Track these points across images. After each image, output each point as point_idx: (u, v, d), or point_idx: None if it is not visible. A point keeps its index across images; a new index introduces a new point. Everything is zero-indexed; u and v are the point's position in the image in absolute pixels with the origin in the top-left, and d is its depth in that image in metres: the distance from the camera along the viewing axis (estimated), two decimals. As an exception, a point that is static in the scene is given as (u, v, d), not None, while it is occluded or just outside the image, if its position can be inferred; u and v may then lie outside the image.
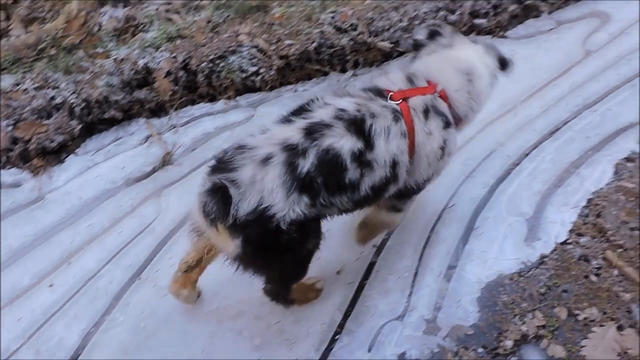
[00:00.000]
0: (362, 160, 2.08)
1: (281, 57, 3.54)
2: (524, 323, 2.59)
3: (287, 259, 2.24)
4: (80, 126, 3.32)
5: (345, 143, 2.04)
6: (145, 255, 2.94)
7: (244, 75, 3.55)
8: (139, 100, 3.49)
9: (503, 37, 4.01)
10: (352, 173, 2.07)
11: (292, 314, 2.68)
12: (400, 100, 2.24)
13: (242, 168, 1.95)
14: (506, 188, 3.16)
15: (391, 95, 2.25)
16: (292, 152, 1.98)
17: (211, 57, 3.48)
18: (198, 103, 3.64)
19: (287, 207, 1.97)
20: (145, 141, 3.47)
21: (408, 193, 2.52)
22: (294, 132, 2.03)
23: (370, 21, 3.60)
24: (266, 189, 1.94)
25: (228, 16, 3.87)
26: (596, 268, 2.76)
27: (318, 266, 2.76)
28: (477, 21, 3.87)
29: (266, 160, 1.96)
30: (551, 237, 2.91)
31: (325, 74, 3.74)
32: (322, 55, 3.62)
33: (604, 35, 3.98)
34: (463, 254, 2.90)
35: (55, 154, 3.30)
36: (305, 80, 3.74)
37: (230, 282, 2.62)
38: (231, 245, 2.03)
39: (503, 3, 3.91)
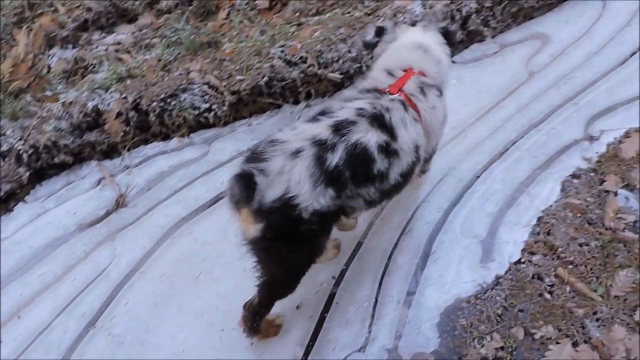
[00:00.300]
0: (389, 150, 2.27)
1: (233, 93, 3.56)
2: (482, 346, 2.63)
3: (300, 251, 2.31)
4: (28, 173, 3.27)
5: (371, 137, 2.22)
6: (99, 302, 2.89)
7: (196, 112, 3.56)
8: (89, 143, 3.46)
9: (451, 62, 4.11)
10: (381, 164, 2.24)
11: (254, 352, 2.66)
12: (399, 92, 2.45)
13: (272, 159, 2.09)
14: (460, 211, 3.22)
15: (388, 90, 2.46)
16: (322, 146, 2.12)
17: (162, 96, 3.48)
18: (151, 142, 3.62)
19: (312, 198, 2.10)
20: (98, 184, 3.43)
21: (426, 161, 2.83)
22: (322, 129, 2.18)
23: (319, 53, 3.65)
24: (293, 180, 2.06)
25: (179, 54, 3.88)
26: (549, 286, 2.84)
27: (277, 302, 2.77)
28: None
29: (296, 153, 2.09)
30: (505, 258, 2.98)
31: (279, 106, 3.77)
32: (273, 89, 3.66)
33: (545, 56, 4.13)
34: (421, 279, 2.94)
35: (3, 203, 3.23)
36: (259, 113, 3.76)
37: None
38: (252, 228, 2.14)
39: (448, 30, 4.02)
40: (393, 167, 2.30)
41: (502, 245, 3.04)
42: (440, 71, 2.71)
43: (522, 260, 2.96)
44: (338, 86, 3.80)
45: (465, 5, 4.03)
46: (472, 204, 3.25)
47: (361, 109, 2.30)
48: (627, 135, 3.45)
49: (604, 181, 3.24)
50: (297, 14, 4.04)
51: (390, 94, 2.43)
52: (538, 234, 3.05)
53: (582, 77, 3.94)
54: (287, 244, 2.23)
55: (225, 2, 4.27)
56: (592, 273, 2.85)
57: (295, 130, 2.23)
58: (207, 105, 3.57)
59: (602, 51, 4.13)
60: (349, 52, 3.71)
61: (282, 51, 3.66)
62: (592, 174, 3.30)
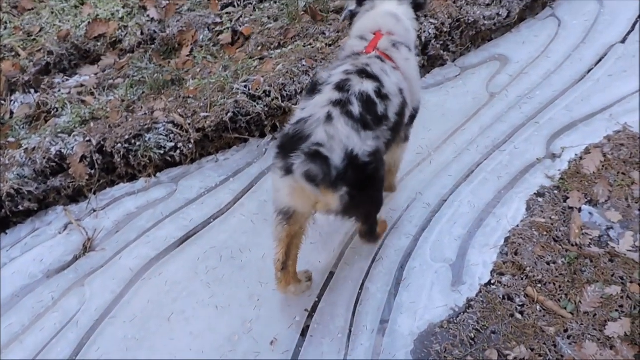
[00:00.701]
0: (382, 94, 2.54)
1: (198, 130, 3.56)
2: (457, 371, 2.63)
3: (376, 186, 2.60)
4: (-9, 223, 3.22)
5: (367, 85, 2.49)
6: (70, 350, 2.85)
7: (162, 151, 3.55)
8: (54, 188, 3.42)
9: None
10: (380, 106, 2.51)
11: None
12: (374, 50, 2.75)
13: (315, 131, 2.28)
14: (429, 236, 3.25)
15: (365, 51, 2.76)
16: (342, 104, 2.38)
17: (127, 137, 3.46)
18: (118, 184, 3.60)
19: (363, 143, 2.35)
20: (65, 229, 3.39)
21: (412, 118, 3.06)
22: (331, 93, 2.43)
23: (282, 86, 3.68)
24: (344, 137, 2.30)
25: (143, 93, 3.88)
26: (520, 306, 2.86)
27: (251, 338, 2.76)
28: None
29: (329, 117, 2.32)
30: (475, 280, 3.01)
31: (245, 140, 3.79)
32: (239, 124, 3.67)
33: (505, 77, 4.23)
34: (394, 307, 2.95)
35: (-33, 255, 3.16)
36: (225, 149, 3.77)
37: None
38: (336, 198, 2.36)
39: (408, 56, 4.10)
40: (389, 108, 2.57)
41: (471, 267, 3.07)
42: (407, 34, 2.96)
43: (492, 281, 2.98)
44: (303, 117, 3.84)
45: (424, 32, 4.11)
46: (441, 228, 3.28)
47: (346, 70, 2.56)
48: (587, 151, 3.52)
49: (568, 198, 3.30)
50: (259, 48, 4.07)
51: (367, 54, 2.73)
52: (506, 254, 3.08)
53: (541, 95, 4.03)
54: (365, 188, 2.46)
55: (188, 38, 4.29)
56: (560, 290, 2.88)
57: (309, 104, 2.44)
58: (172, 144, 3.56)
59: (560, 69, 4.24)
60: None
61: (246, 86, 3.69)
62: (555, 192, 3.36)
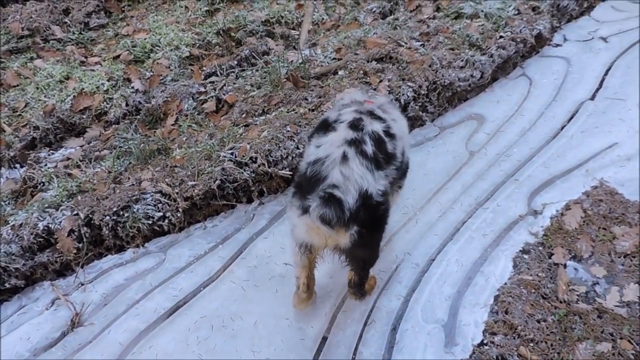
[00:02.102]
0: (390, 133, 2.73)
1: (186, 199, 3.59)
2: None
3: (382, 227, 2.78)
4: (-23, 302, 3.15)
5: (377, 125, 2.68)
6: None
7: (150, 221, 3.56)
8: (41, 264, 3.38)
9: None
10: (389, 144, 2.70)
11: None
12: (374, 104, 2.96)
13: (331, 173, 2.45)
14: (419, 297, 3.26)
15: (365, 101, 2.99)
16: (356, 143, 2.54)
17: (114, 209, 3.47)
18: (105, 256, 3.57)
19: (376, 183, 2.52)
20: (52, 305, 3.33)
21: (405, 171, 3.24)
22: (345, 132, 2.60)
23: (268, 152, 3.75)
24: (358, 177, 2.45)
25: (129, 163, 3.92)
26: (514, 366, 2.87)
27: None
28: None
29: (344, 158, 2.48)
30: (468, 340, 3.01)
31: (233, 206, 3.82)
32: (226, 191, 3.71)
33: (483, 135, 4.37)
34: (389, 371, 2.93)
35: (-49, 337, 3.08)
36: (213, 216, 3.79)
37: None
38: (347, 237, 2.51)
39: (389, 119, 4.23)
40: (396, 147, 2.77)
41: (463, 327, 3.07)
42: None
43: (485, 341, 2.99)
44: (289, 182, 3.90)
45: (403, 95, 4.26)
46: (431, 288, 3.30)
47: (356, 110, 2.78)
48: (567, 207, 3.62)
49: (552, 254, 3.36)
50: (243, 115, 4.17)
51: (368, 104, 2.94)
52: (497, 313, 3.10)
53: (519, 153, 4.17)
54: (374, 228, 2.66)
55: (173, 108, 4.39)
56: (552, 349, 2.90)
57: (325, 142, 2.60)
58: (160, 214, 3.57)
59: (534, 127, 4.40)
60: (297, 148, 3.83)
61: (232, 153, 3.75)
62: (540, 248, 3.42)
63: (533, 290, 3.16)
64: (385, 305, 3.23)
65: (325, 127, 2.71)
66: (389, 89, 4.24)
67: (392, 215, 3.38)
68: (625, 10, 5.94)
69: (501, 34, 4.93)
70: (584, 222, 3.51)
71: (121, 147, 4.07)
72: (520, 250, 3.45)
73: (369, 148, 2.56)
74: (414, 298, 3.26)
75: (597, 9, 6.01)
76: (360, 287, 3.05)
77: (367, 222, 2.51)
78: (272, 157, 3.77)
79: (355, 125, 2.64)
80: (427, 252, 3.51)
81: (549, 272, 3.27)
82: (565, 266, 3.29)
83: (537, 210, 3.69)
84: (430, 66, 4.44)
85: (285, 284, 3.36)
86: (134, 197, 3.54)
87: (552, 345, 2.91)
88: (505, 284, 3.25)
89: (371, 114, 2.76)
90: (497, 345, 2.95)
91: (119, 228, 3.51)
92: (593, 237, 3.41)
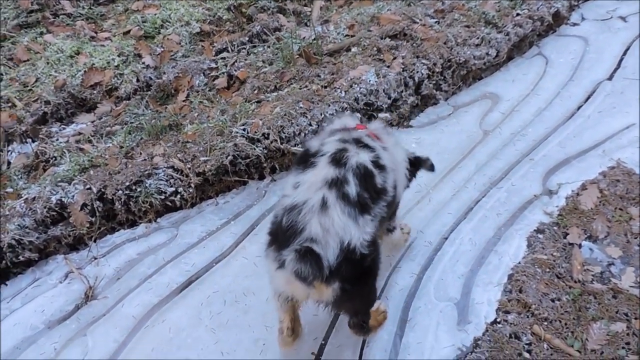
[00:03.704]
0: (379, 165, 2.46)
1: (198, 174, 3.57)
2: (468, 414, 2.60)
3: (370, 280, 2.51)
4: (-8, 274, 3.17)
5: (364, 156, 2.41)
6: (73, 404, 2.77)
7: (162, 196, 3.55)
8: (55, 237, 3.39)
9: (408, 126, 4.26)
10: (379, 177, 2.43)
11: None
12: (366, 129, 2.72)
13: (308, 224, 2.17)
14: (432, 274, 3.25)
15: (356, 127, 2.74)
16: (337, 185, 2.26)
17: (127, 183, 3.46)
18: (118, 230, 3.58)
19: (360, 232, 2.24)
20: (66, 278, 3.34)
21: (395, 209, 2.97)
22: (326, 170, 2.32)
23: (281, 128, 3.73)
24: (339, 229, 2.18)
25: (141, 139, 3.90)
26: (527, 344, 2.85)
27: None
28: (382, 115, 4.09)
29: (324, 205, 2.20)
30: (481, 319, 3.00)
31: (244, 183, 3.81)
32: (238, 167, 3.69)
33: (497, 114, 4.32)
34: (401, 348, 2.92)
35: (-34, 307, 3.10)
36: (225, 192, 3.78)
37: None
38: (329, 292, 2.28)
39: (402, 96, 4.18)
40: (386, 180, 2.49)
41: (476, 306, 3.06)
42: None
43: (498, 320, 2.98)
44: (302, 159, 3.88)
45: (417, 72, 4.20)
46: (443, 266, 3.29)
47: (341, 139, 2.49)
48: (584, 187, 3.58)
49: (567, 234, 3.33)
50: (255, 92, 4.13)
51: (358, 129, 2.70)
52: (510, 292, 3.09)
53: (534, 132, 4.11)
54: (360, 281, 2.38)
55: (184, 84, 4.35)
56: (567, 328, 2.88)
57: (303, 181, 2.33)
58: (172, 189, 3.57)
59: (550, 106, 4.34)
60: (310, 125, 3.80)
61: (245, 129, 3.72)
62: (555, 228, 3.39)
63: (547, 270, 3.14)
64: (398, 283, 3.22)
65: (305, 160, 2.43)
66: (402, 66, 4.18)
67: (405, 194, 3.39)
68: (645, -11, 5.81)
69: (518, 11, 4.84)
70: (600, 202, 3.47)
71: (132, 122, 4.05)
72: (534, 230, 3.42)
73: (352, 189, 2.28)
74: (427, 276, 3.25)
75: (617, -13, 5.88)
76: (362, 328, 2.76)
77: (351, 278, 2.27)
78: (284, 133, 3.74)
79: (337, 159, 2.35)
80: (441, 231, 3.49)
81: (564, 252, 3.24)
82: (580, 246, 3.26)
83: (552, 190, 3.65)
84: (445, 43, 4.37)
85: (297, 261, 3.35)
86: (146, 172, 3.53)
87: (566, 324, 2.89)
88: (519, 263, 3.23)
89: (358, 142, 2.48)
90: (511, 323, 2.93)
91: (131, 203, 3.51)
92: (609, 218, 3.37)
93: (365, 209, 2.31)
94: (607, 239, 3.29)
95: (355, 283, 2.32)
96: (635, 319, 2.90)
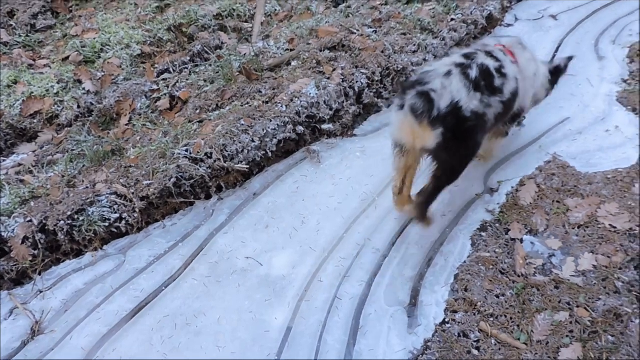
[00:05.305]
0: (502, 72, 3.02)
1: (142, 199, 3.54)
2: (420, 416, 2.64)
3: (467, 144, 3.00)
4: None
5: (490, 62, 3.00)
6: None
7: (107, 224, 3.49)
8: (-4, 274, 3.30)
9: (352, 135, 4.30)
10: (498, 80, 2.98)
11: None
12: (502, 46, 3.27)
13: (433, 81, 2.81)
14: (381, 280, 3.29)
15: (495, 45, 3.29)
16: (463, 67, 2.89)
17: (69, 213, 3.40)
18: (63, 261, 3.49)
19: (469, 100, 2.81)
20: (10, 315, 3.24)
21: (515, 117, 3.53)
22: (457, 58, 2.99)
23: (223, 147, 3.72)
24: (454, 90, 2.78)
25: (83, 166, 3.84)
26: (475, 341, 2.91)
27: None
28: (325, 127, 4.14)
29: (448, 74, 2.84)
30: (430, 320, 3.05)
31: (191, 203, 3.78)
32: (183, 188, 3.67)
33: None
34: (354, 356, 2.93)
35: None
36: (172, 214, 3.74)
37: None
38: (432, 136, 2.81)
39: (344, 107, 4.23)
40: (505, 85, 3.02)
41: (425, 308, 3.11)
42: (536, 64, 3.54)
43: (447, 320, 3.03)
44: (247, 175, 3.89)
45: (357, 82, 4.27)
46: (392, 271, 3.33)
47: (477, 48, 3.15)
48: (522, 183, 3.69)
49: (509, 230, 3.43)
50: (197, 111, 4.12)
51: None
52: (457, 291, 3.15)
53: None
54: (459, 138, 2.88)
55: (126, 108, 4.31)
56: (512, 322, 2.96)
57: (437, 63, 2.99)
58: (117, 215, 3.51)
59: (488, 106, 4.45)
60: (252, 141, 3.81)
61: (187, 150, 3.71)
62: (497, 225, 3.49)
63: (491, 267, 3.22)
64: (348, 292, 3.25)
65: (443, 56, 3.14)
66: (342, 77, 4.24)
67: (351, 202, 3.46)
68: (573, -12, 6.05)
69: (452, 16, 4.98)
70: (538, 196, 3.58)
71: (74, 150, 3.99)
72: (478, 229, 3.50)
73: (473, 73, 2.86)
74: (376, 282, 3.29)
75: (547, -13, 6.11)
76: (427, 202, 3.25)
77: (453, 128, 2.80)
78: (227, 151, 3.74)
79: (467, 56, 2.99)
80: (388, 237, 3.53)
81: (506, 248, 3.33)
82: (521, 241, 3.36)
83: (493, 188, 3.75)
84: (382, 52, 4.46)
85: (247, 278, 3.35)
86: (89, 200, 3.47)
87: (511, 318, 2.97)
88: (465, 262, 3.30)
89: (488, 53, 3.07)
90: (459, 322, 3.00)
91: (75, 232, 3.44)
92: (547, 211, 3.49)
93: (477, 89, 2.85)
94: (547, 231, 3.39)
95: (455, 135, 2.83)
96: (578, 306, 2.99)
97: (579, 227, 3.37)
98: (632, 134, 3.98)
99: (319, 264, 3.42)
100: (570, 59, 3.84)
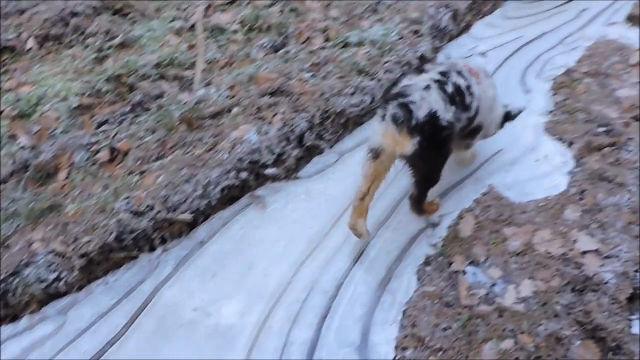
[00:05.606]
0: (470, 91, 3.40)
1: (81, 256, 3.44)
2: None
3: (441, 151, 3.38)
4: None
5: (461, 81, 3.37)
6: None
7: (44, 285, 3.36)
8: None
9: (296, 178, 4.34)
10: (468, 98, 3.37)
11: None
12: (469, 67, 3.60)
13: (413, 94, 3.16)
14: (331, 323, 3.29)
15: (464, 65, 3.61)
16: (440, 82, 3.26)
17: (2, 276, 3.26)
18: (-2, 327, 3.34)
19: (445, 112, 3.18)
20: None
21: (474, 133, 3.79)
22: (435, 74, 3.33)
23: (165, 198, 3.69)
24: (432, 102, 3.14)
25: (18, 225, 3.70)
26: (426, 377, 2.94)
27: None
28: (268, 171, 4.17)
29: (427, 87, 3.20)
30: (381, 358, 3.06)
31: (135, 257, 3.70)
32: (125, 242, 3.59)
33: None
34: (307, 402, 2.91)
35: None
36: (115, 269, 3.64)
37: None
38: (410, 144, 3.10)
39: (286, 151, 4.28)
40: (472, 103, 3.40)
41: (376, 347, 3.13)
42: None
43: (397, 357, 3.06)
44: (192, 225, 3.85)
45: (298, 126, 4.33)
46: (341, 312, 3.34)
47: (448, 65, 3.50)
48: (461, 216, 3.80)
49: (452, 262, 3.50)
50: (138, 162, 4.07)
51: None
52: (406, 327, 3.19)
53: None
54: (435, 147, 3.24)
55: (64, 161, 4.21)
56: (460, 354, 3.01)
57: (416, 78, 3.32)
58: (55, 275, 3.39)
59: (426, 143, 4.60)
60: (195, 190, 3.79)
61: (128, 203, 3.65)
62: (440, 258, 3.56)
63: (437, 300, 3.28)
64: (298, 337, 3.23)
65: (420, 71, 3.43)
66: (283, 122, 4.30)
67: (298, 245, 3.47)
68: (499, 27, 6.39)
69: (387, 58, 5.16)
70: (477, 228, 3.69)
71: (8, 208, 3.84)
72: (422, 263, 3.57)
73: (449, 87, 3.24)
74: (326, 325, 3.28)
75: (474, 26, 6.43)
76: (417, 203, 3.63)
77: (429, 137, 3.10)
78: (170, 202, 3.70)
79: (443, 73, 3.34)
80: (335, 277, 3.55)
81: (450, 280, 3.40)
82: (464, 272, 3.44)
83: (434, 222, 3.84)
84: (321, 96, 4.56)
85: (195, 330, 3.29)
86: (23, 262, 3.34)
87: (458, 351, 3.02)
88: (411, 298, 3.35)
89: (459, 73, 3.40)
90: (408, 359, 3.02)
91: (8, 297, 3.29)
92: (486, 241, 3.60)
93: (452, 103, 3.22)
94: (487, 261, 3.49)
95: (431, 144, 3.15)
96: (521, 333, 3.08)
97: (517, 255, 3.49)
98: (559, 162, 4.19)
99: (268, 310, 3.39)
100: (521, 110, 4.17)
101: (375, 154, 3.35)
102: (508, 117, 4.06)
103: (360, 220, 3.56)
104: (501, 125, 4.08)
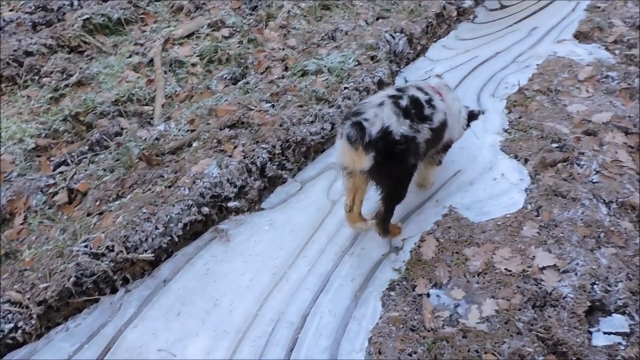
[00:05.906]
0: (431, 104, 3.54)
1: (39, 303, 3.35)
2: None
3: (400, 166, 3.44)
4: None
5: (420, 94, 3.54)
6: None
7: (0, 336, 3.27)
8: None
9: (260, 209, 4.34)
10: (427, 109, 3.50)
11: None
12: (431, 87, 3.79)
13: (367, 111, 3.29)
14: (297, 355, 3.27)
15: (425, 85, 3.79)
16: (395, 97, 3.40)
17: (-44, 330, 3.17)
18: (-48, 384, 3.22)
19: (398, 126, 3.28)
20: None
21: (445, 148, 4.04)
22: (390, 91, 3.52)
23: (125, 238, 3.64)
24: (385, 117, 3.25)
25: (-27, 275, 3.61)
26: (394, 405, 2.93)
27: None
28: (231, 204, 4.16)
29: (380, 104, 3.33)
30: (349, 389, 3.05)
31: (96, 300, 3.62)
32: (85, 286, 3.52)
33: (340, 184, 4.54)
34: None
35: None
36: (76, 314, 3.56)
37: None
38: (366, 159, 3.22)
39: (248, 183, 4.28)
40: (434, 115, 3.53)
41: (343, 377, 3.12)
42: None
43: (365, 386, 3.05)
44: (154, 264, 3.80)
45: (259, 157, 4.35)
46: (308, 343, 3.33)
47: (409, 84, 3.77)
48: (422, 239, 3.85)
49: (416, 286, 3.53)
50: (97, 203, 4.02)
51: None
52: (372, 354, 3.18)
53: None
54: (390, 160, 3.31)
55: (20, 206, 4.13)
56: (426, 379, 3.01)
57: (374, 96, 3.56)
58: (11, 325, 3.29)
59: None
60: (156, 228, 3.75)
61: (86, 245, 3.59)
62: (404, 282, 3.59)
63: (401, 325, 3.29)
64: (265, 371, 3.20)
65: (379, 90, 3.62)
66: (243, 154, 4.31)
67: (263, 277, 3.45)
68: (454, 48, 6.58)
69: (345, 85, 5.24)
70: (438, 250, 3.74)
71: (-37, 258, 3.75)
72: (387, 288, 3.59)
73: (403, 102, 3.36)
74: (293, 357, 3.26)
75: (430, 49, 6.60)
76: (383, 221, 3.70)
77: (384, 152, 3.22)
78: (130, 242, 3.66)
79: (400, 89, 3.52)
80: (301, 308, 3.54)
81: (414, 304, 3.42)
82: (428, 295, 3.46)
83: (397, 247, 3.87)
84: (281, 125, 4.59)
85: (159, 372, 3.22)
86: (-21, 313, 3.25)
87: (425, 376, 3.02)
88: (377, 324, 3.36)
89: (419, 88, 3.60)
90: (376, 388, 3.01)
91: (-37, 351, 3.20)
92: (448, 263, 3.64)
93: (407, 116, 3.33)
94: (450, 283, 3.53)
95: (386, 159, 3.26)
96: (486, 353, 3.10)
97: (478, 275, 3.53)
98: (516, 180, 4.29)
99: (234, 347, 3.35)
100: (483, 112, 4.56)
101: (346, 171, 3.51)
102: (473, 116, 4.24)
103: (356, 224, 3.83)
104: (467, 125, 4.24)
